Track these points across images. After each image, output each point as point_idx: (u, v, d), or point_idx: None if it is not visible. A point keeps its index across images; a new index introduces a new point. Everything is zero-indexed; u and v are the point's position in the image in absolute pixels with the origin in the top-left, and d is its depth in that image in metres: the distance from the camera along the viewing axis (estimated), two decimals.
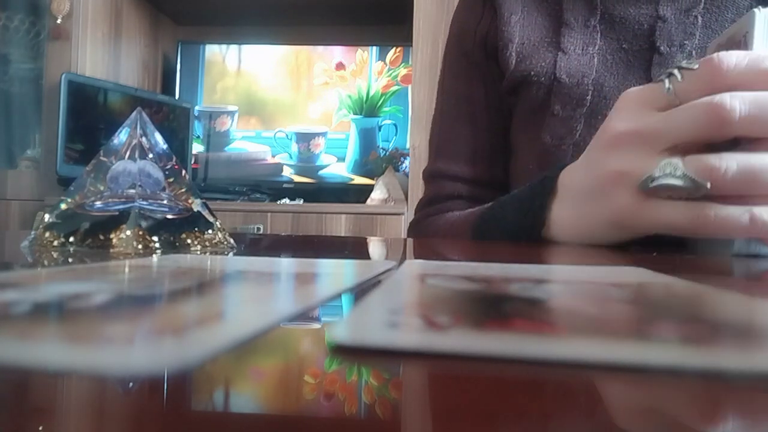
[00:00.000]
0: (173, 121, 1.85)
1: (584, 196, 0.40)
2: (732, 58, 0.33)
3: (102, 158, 0.35)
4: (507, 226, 0.46)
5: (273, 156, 1.95)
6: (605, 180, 0.38)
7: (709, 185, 0.32)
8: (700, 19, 0.53)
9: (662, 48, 0.54)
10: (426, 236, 0.64)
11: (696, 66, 0.34)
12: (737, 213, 0.32)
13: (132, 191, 0.34)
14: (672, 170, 0.33)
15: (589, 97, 0.55)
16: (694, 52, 0.53)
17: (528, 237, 0.44)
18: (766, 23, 0.34)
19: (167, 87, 2.08)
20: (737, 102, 0.31)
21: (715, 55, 0.33)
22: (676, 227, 0.35)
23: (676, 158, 0.33)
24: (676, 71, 0.35)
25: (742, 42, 0.36)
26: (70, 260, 0.27)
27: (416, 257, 0.36)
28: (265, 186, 1.91)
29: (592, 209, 0.39)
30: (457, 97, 0.67)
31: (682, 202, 0.34)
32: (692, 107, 0.33)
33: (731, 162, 0.32)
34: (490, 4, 0.63)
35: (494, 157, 0.65)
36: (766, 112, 0.31)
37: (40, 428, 0.07)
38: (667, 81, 0.35)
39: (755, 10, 0.35)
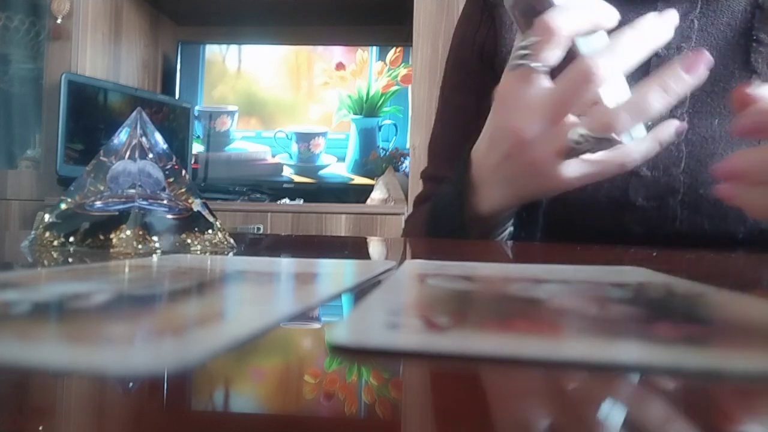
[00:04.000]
0: (173, 121, 1.85)
1: (509, 180, 0.45)
2: (553, 17, 0.39)
3: (102, 158, 0.35)
4: (446, 193, 0.51)
5: (273, 156, 1.95)
6: (533, 167, 0.42)
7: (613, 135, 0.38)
8: (696, 23, 0.55)
9: (660, 51, 0.55)
10: (412, 226, 0.68)
11: (535, 38, 0.40)
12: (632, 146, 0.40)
13: (132, 191, 0.34)
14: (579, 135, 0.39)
15: None
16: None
17: (456, 198, 0.48)
18: None
19: (167, 87, 2.08)
20: (597, 58, 0.38)
21: (541, 18, 0.39)
22: (580, 171, 0.41)
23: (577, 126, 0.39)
24: (524, 50, 0.40)
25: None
26: (70, 260, 0.27)
27: (416, 257, 0.36)
28: (265, 186, 1.91)
29: (517, 185, 0.44)
30: (454, 106, 0.70)
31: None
32: (566, 77, 0.39)
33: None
34: (488, 13, 0.65)
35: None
36: (618, 52, 0.38)
37: (40, 428, 0.07)
38: (525, 60, 0.40)
39: None
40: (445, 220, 0.51)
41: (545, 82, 0.41)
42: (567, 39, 0.39)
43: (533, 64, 0.40)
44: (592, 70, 0.38)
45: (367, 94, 1.93)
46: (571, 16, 0.39)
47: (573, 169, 0.41)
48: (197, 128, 1.96)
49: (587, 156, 0.40)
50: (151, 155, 0.35)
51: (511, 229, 0.52)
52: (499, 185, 0.46)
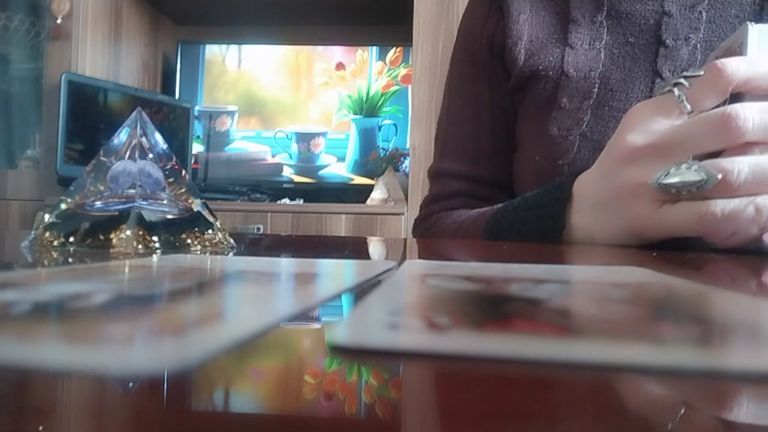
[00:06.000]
0: (173, 121, 1.85)
1: (602, 205, 0.42)
2: (732, 62, 0.35)
3: (102, 158, 0.35)
4: (523, 228, 0.47)
5: (273, 156, 1.95)
6: (624, 191, 0.39)
7: (720, 176, 0.33)
8: (704, 14, 0.56)
9: (668, 41, 0.56)
10: (433, 235, 0.66)
11: (701, 72, 0.36)
12: (742, 205, 0.34)
13: (132, 191, 0.34)
14: (685, 168, 0.35)
15: (595, 90, 0.57)
16: (698, 45, 0.55)
17: (545, 240, 0.45)
18: (759, 36, 0.36)
19: (167, 87, 2.08)
20: (749, 111, 0.33)
21: (717, 61, 0.35)
22: (687, 227, 0.36)
23: (688, 162, 0.35)
24: (683, 80, 0.37)
25: (737, 53, 0.38)
26: (70, 260, 0.27)
27: (416, 257, 0.36)
28: (265, 186, 1.91)
29: (611, 218, 0.41)
30: (463, 98, 0.69)
31: (691, 203, 0.35)
32: (706, 117, 0.35)
33: (743, 164, 0.33)
34: (496, 5, 0.65)
35: (497, 156, 0.67)
36: None
37: (40, 428, 0.07)
38: (676, 90, 0.37)
39: (748, 23, 0.37)
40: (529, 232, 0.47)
41: (681, 116, 0.37)
42: (729, 88, 0.35)
43: (680, 96, 0.36)
44: (736, 121, 0.33)
45: (367, 94, 1.93)
46: (751, 69, 0.35)
47: (677, 214, 0.36)
48: (197, 128, 1.96)
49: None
50: (151, 155, 0.35)
51: None
52: (599, 213, 0.42)
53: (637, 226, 0.39)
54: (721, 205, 0.34)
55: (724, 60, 0.35)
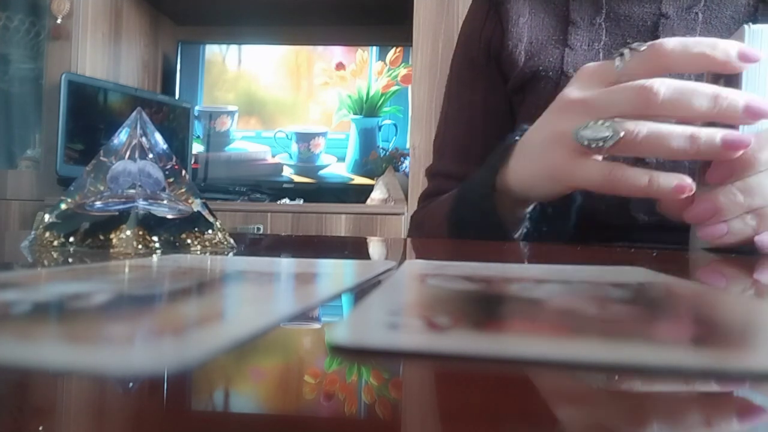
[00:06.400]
0: (173, 121, 1.85)
1: (531, 151, 0.46)
2: (670, 43, 0.38)
3: (102, 158, 0.35)
4: (473, 183, 0.52)
5: (273, 156, 1.95)
6: (548, 139, 0.44)
7: (623, 133, 0.37)
8: (700, 15, 0.57)
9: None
10: (420, 224, 0.68)
11: (643, 48, 0.39)
12: (639, 173, 0.38)
13: (132, 191, 0.34)
14: (600, 124, 0.39)
15: None
16: None
17: (484, 188, 0.49)
18: (755, 37, 0.39)
19: (167, 87, 2.07)
20: (663, 87, 0.37)
21: (659, 40, 0.38)
22: (593, 182, 0.40)
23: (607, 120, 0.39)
24: (626, 51, 0.40)
25: None
26: (70, 260, 0.27)
27: (416, 257, 0.36)
28: (265, 186, 1.91)
29: (535, 163, 0.45)
30: (460, 102, 0.71)
31: (601, 162, 0.40)
32: (628, 87, 0.38)
33: (643, 126, 0.37)
34: (494, 10, 0.67)
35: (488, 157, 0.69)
36: (684, 97, 0.36)
37: (40, 428, 0.07)
38: (618, 59, 0.40)
39: (745, 25, 0.39)
40: (472, 203, 0.51)
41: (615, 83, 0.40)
42: (660, 70, 0.38)
43: (618, 66, 0.40)
44: (650, 93, 0.37)
45: (367, 94, 1.93)
46: (684, 51, 0.38)
47: (588, 169, 0.40)
48: (197, 128, 1.96)
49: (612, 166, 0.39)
50: (151, 155, 0.35)
51: (527, 225, 0.52)
52: (527, 157, 0.46)
53: (554, 172, 0.43)
54: (623, 169, 0.38)
55: (664, 40, 0.38)
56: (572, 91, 0.42)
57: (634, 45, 0.40)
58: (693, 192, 0.37)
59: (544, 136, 0.44)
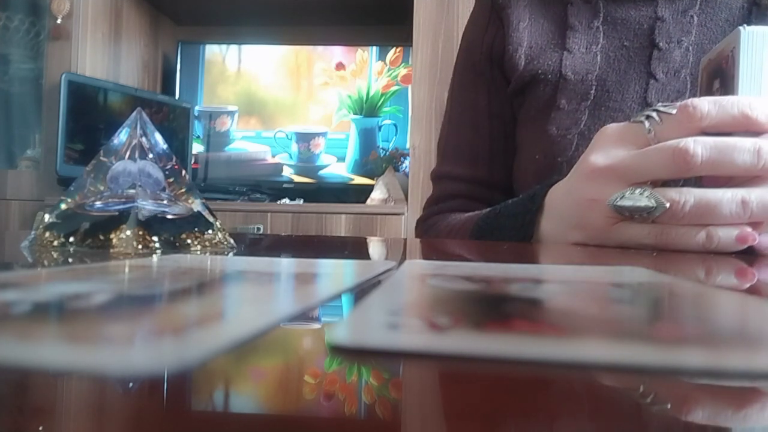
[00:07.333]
0: (173, 121, 1.85)
1: (565, 218, 0.45)
2: (704, 105, 0.37)
3: (102, 158, 0.35)
4: (501, 234, 0.51)
5: (273, 156, 1.94)
6: (583, 206, 0.42)
7: (668, 204, 0.36)
8: (695, 18, 0.58)
9: (661, 44, 0.59)
10: (429, 236, 0.69)
11: (674, 111, 0.38)
12: (693, 231, 0.37)
13: (132, 191, 0.34)
14: (639, 193, 0.38)
15: (592, 92, 0.60)
16: (690, 48, 0.58)
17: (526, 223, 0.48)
18: (750, 40, 0.38)
19: (167, 87, 2.07)
20: (700, 147, 0.35)
21: (690, 101, 0.37)
22: (644, 244, 0.39)
23: (643, 187, 0.38)
24: (654, 114, 0.39)
25: (729, 57, 0.39)
26: (70, 260, 0.27)
27: (416, 257, 0.36)
28: (265, 186, 1.91)
29: (572, 230, 0.44)
30: (463, 105, 0.72)
31: (647, 224, 0.39)
32: (661, 149, 0.37)
33: (689, 196, 0.36)
34: (496, 15, 0.68)
35: (494, 159, 0.70)
36: (724, 156, 0.35)
37: (40, 428, 0.07)
38: (647, 122, 0.39)
39: (740, 28, 0.38)
40: (504, 232, 0.50)
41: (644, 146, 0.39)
42: (697, 132, 0.37)
43: (650, 130, 0.38)
44: (686, 155, 0.36)
45: (367, 94, 1.93)
46: (721, 113, 0.36)
47: (634, 233, 0.39)
48: (197, 128, 1.96)
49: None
50: (151, 155, 0.35)
51: None
52: (563, 222, 0.45)
53: (595, 235, 0.42)
54: (675, 229, 0.37)
55: (695, 101, 0.37)
56: (597, 158, 0.41)
57: (661, 107, 0.38)
58: (756, 240, 0.36)
59: (577, 203, 0.43)
